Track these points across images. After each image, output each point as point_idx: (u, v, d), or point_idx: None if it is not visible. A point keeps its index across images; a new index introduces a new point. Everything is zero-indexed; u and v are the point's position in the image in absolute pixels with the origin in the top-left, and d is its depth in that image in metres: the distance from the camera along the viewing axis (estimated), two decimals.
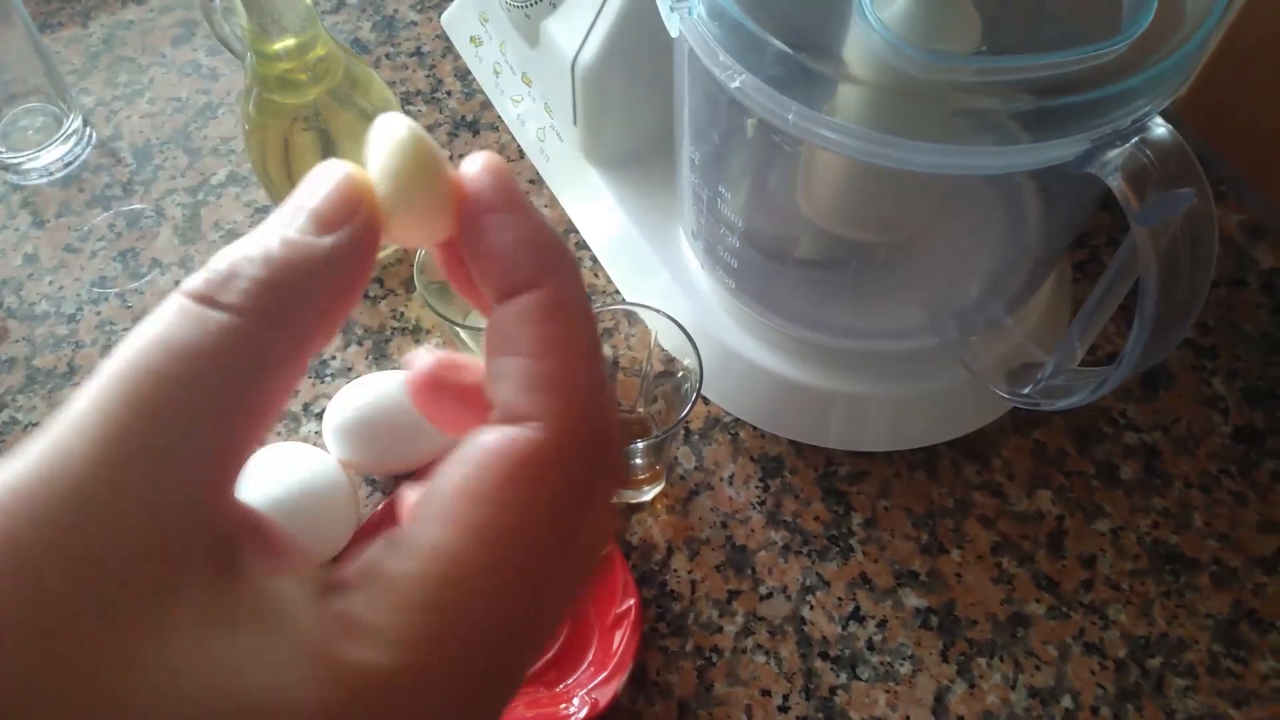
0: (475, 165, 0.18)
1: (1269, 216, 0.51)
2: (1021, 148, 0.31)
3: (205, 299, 0.16)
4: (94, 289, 0.54)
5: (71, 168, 0.58)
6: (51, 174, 0.58)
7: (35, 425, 0.49)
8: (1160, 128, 0.31)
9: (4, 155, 0.57)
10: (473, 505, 0.16)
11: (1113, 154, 0.31)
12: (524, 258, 0.18)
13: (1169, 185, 0.31)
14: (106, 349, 0.51)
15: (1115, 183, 0.31)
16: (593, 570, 0.18)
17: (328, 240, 0.17)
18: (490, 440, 0.16)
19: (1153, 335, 0.33)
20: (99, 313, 0.53)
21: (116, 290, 0.54)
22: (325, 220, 0.17)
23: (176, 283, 0.53)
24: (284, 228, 0.17)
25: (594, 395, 0.17)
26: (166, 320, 0.16)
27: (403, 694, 0.15)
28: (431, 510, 0.16)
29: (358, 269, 0.17)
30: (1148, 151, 0.31)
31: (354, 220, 0.17)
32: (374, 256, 0.18)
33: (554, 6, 0.48)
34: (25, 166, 0.57)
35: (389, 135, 0.18)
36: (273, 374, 0.16)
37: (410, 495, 0.19)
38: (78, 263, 0.55)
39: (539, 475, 0.16)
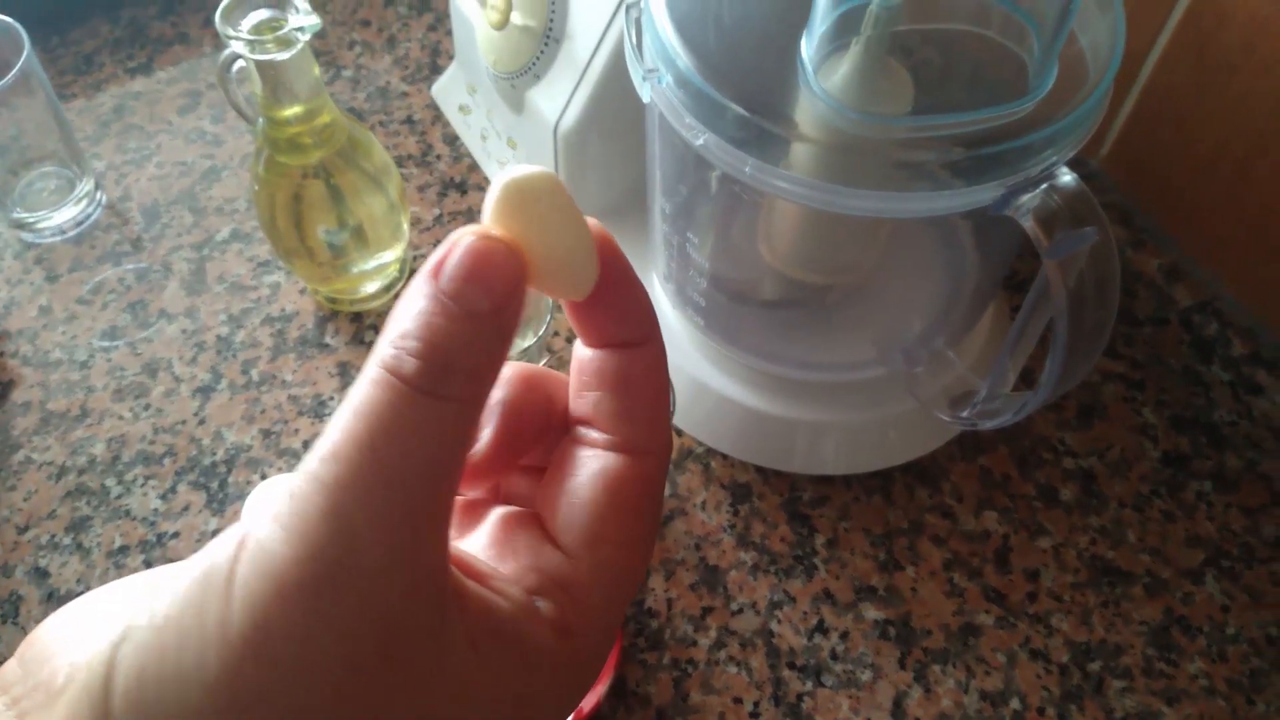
0: (598, 228, 0.21)
1: (1185, 260, 0.56)
2: (947, 193, 0.36)
3: (432, 394, 0.18)
4: (105, 338, 0.57)
5: (83, 227, 0.62)
6: (64, 232, 0.62)
7: (49, 464, 0.52)
8: (1066, 175, 0.36)
9: (20, 215, 0.61)
10: (622, 526, 0.21)
11: (1025, 198, 0.36)
12: (642, 318, 0.22)
13: (1075, 225, 0.35)
14: (118, 393, 0.55)
15: (1027, 223, 0.35)
16: None
17: (504, 322, 0.18)
18: (629, 469, 0.21)
19: (1066, 360, 0.37)
20: (109, 359, 0.56)
21: (126, 339, 0.57)
22: (500, 309, 0.18)
23: (184, 331, 0.57)
24: (469, 305, 0.18)
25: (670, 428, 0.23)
26: (401, 409, 0.17)
27: (578, 663, 0.20)
28: (591, 528, 0.21)
29: (513, 335, 0.19)
30: (1055, 196, 0.36)
31: (518, 298, 0.19)
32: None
33: (537, 78, 0.53)
34: (40, 225, 0.61)
35: (539, 193, 0.18)
36: (471, 443, 0.20)
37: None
38: (89, 314, 0.58)
39: (657, 494, 0.22)
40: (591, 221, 0.20)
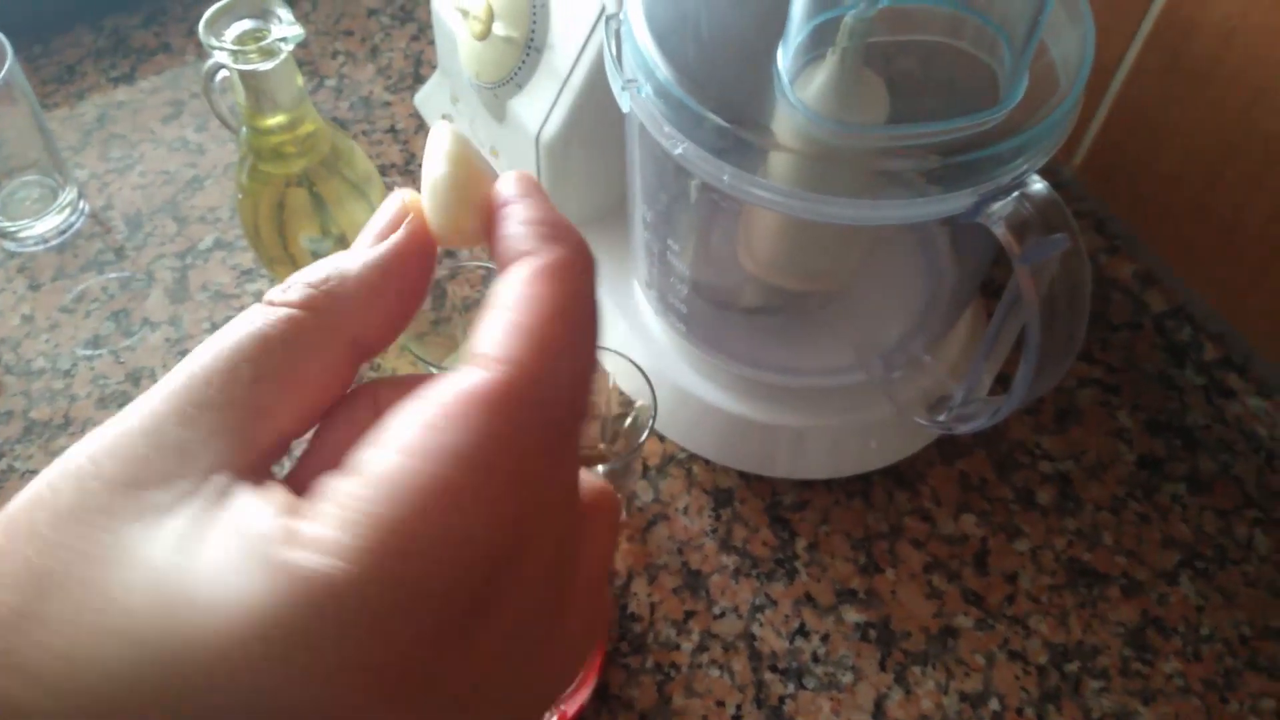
0: (507, 175, 0.21)
1: (1158, 267, 0.57)
2: (920, 201, 0.36)
3: (269, 301, 0.20)
4: (88, 347, 0.57)
5: (66, 235, 0.62)
6: (47, 241, 0.62)
7: (32, 473, 0.52)
8: (1038, 183, 0.37)
9: (2, 224, 0.61)
10: (427, 432, 0.16)
11: (997, 206, 0.36)
12: (528, 232, 0.19)
13: (1046, 232, 0.36)
14: (101, 401, 0.55)
15: (999, 230, 0.36)
16: (576, 533, 0.19)
17: (379, 248, 0.20)
18: (452, 378, 0.17)
19: (1039, 365, 0.38)
20: (93, 368, 0.56)
21: (110, 348, 0.57)
22: (378, 233, 0.21)
23: (167, 340, 0.57)
24: (352, 248, 0.21)
25: (565, 354, 0.18)
26: (240, 317, 0.19)
27: (346, 604, 0.15)
28: (386, 437, 0.17)
29: (407, 272, 0.20)
30: (1027, 204, 0.36)
31: (400, 229, 0.21)
32: (426, 263, 0.21)
33: (519, 87, 0.53)
34: (22, 234, 0.61)
35: (435, 147, 0.21)
36: (319, 359, 0.19)
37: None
38: (72, 322, 0.58)
39: (495, 411, 0.17)
40: (504, 175, 0.21)
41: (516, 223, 0.20)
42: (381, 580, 0.15)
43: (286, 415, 0.19)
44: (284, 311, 0.19)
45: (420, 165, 0.64)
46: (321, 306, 0.19)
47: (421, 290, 0.21)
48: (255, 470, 0.18)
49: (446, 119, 0.64)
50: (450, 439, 0.16)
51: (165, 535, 0.17)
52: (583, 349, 0.19)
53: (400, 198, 0.21)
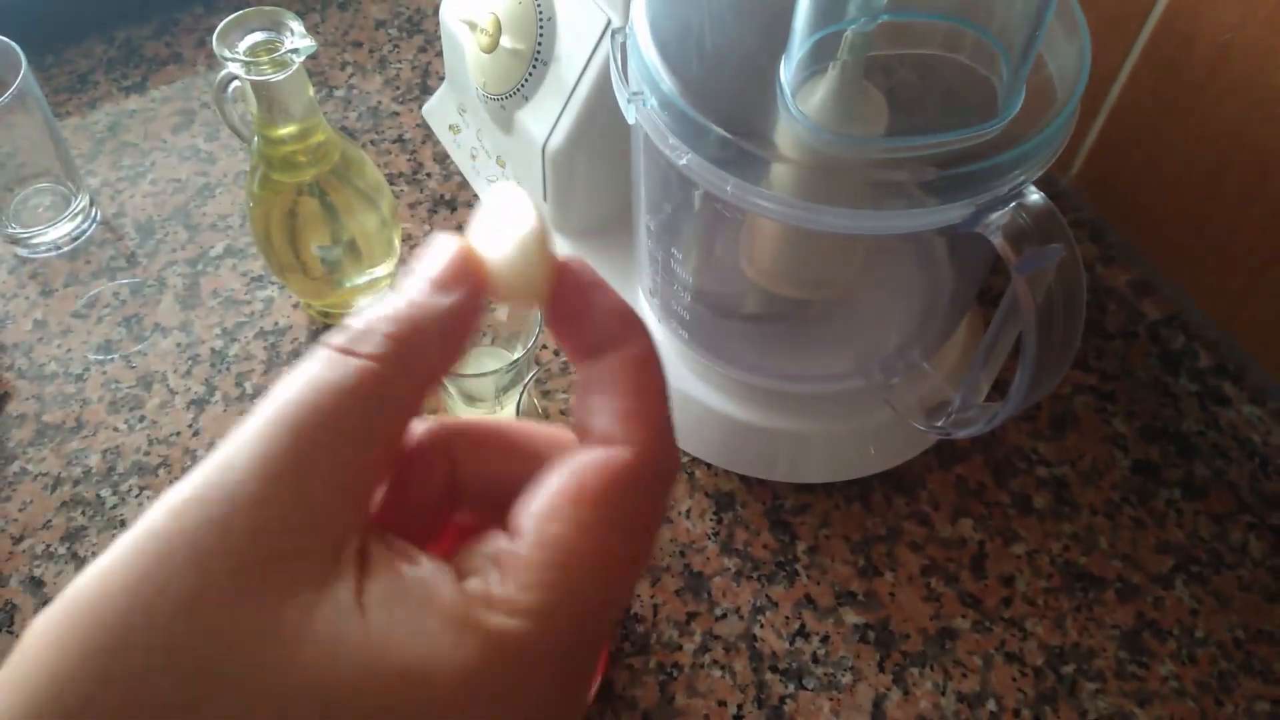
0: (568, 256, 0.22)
1: (1153, 276, 0.58)
2: (919, 211, 0.37)
3: (346, 350, 0.19)
4: (99, 352, 0.58)
5: (78, 242, 0.63)
6: (59, 248, 0.63)
7: (44, 475, 0.53)
8: (1034, 194, 0.38)
9: (15, 231, 0.62)
10: (579, 508, 0.19)
11: (995, 216, 0.37)
12: (615, 322, 0.21)
13: (1043, 242, 0.37)
14: (112, 405, 0.56)
15: (997, 240, 0.37)
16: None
17: (445, 300, 0.20)
18: (592, 457, 0.20)
19: (1035, 371, 0.39)
20: (105, 372, 0.57)
21: (121, 353, 0.58)
22: (442, 285, 0.20)
23: (178, 345, 0.58)
24: (409, 291, 0.20)
25: (666, 429, 0.21)
26: (314, 367, 0.19)
27: (533, 655, 0.18)
28: (542, 509, 0.19)
29: (467, 323, 0.20)
30: (1024, 214, 0.37)
31: (465, 284, 0.20)
32: (480, 313, 0.21)
33: (526, 99, 0.54)
34: (35, 241, 0.62)
35: (513, 217, 0.21)
36: (398, 409, 0.19)
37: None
38: (84, 328, 0.59)
39: (632, 487, 0.20)
40: (538, 227, 0.21)
41: (603, 309, 0.21)
42: (552, 633, 0.18)
43: (382, 469, 0.20)
44: (368, 365, 0.19)
45: (427, 175, 0.66)
46: (404, 362, 0.19)
47: (468, 342, 0.21)
48: (369, 528, 0.19)
49: (453, 129, 0.65)
50: (604, 514, 0.19)
51: (329, 609, 0.17)
52: (672, 421, 0.21)
53: (457, 245, 0.21)
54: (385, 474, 0.20)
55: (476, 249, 0.21)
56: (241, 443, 0.18)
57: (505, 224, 0.21)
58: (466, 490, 0.22)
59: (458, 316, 0.20)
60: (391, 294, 0.20)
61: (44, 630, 0.17)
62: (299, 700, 0.17)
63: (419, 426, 0.22)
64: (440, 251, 0.21)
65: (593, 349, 0.21)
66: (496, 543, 0.19)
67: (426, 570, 0.18)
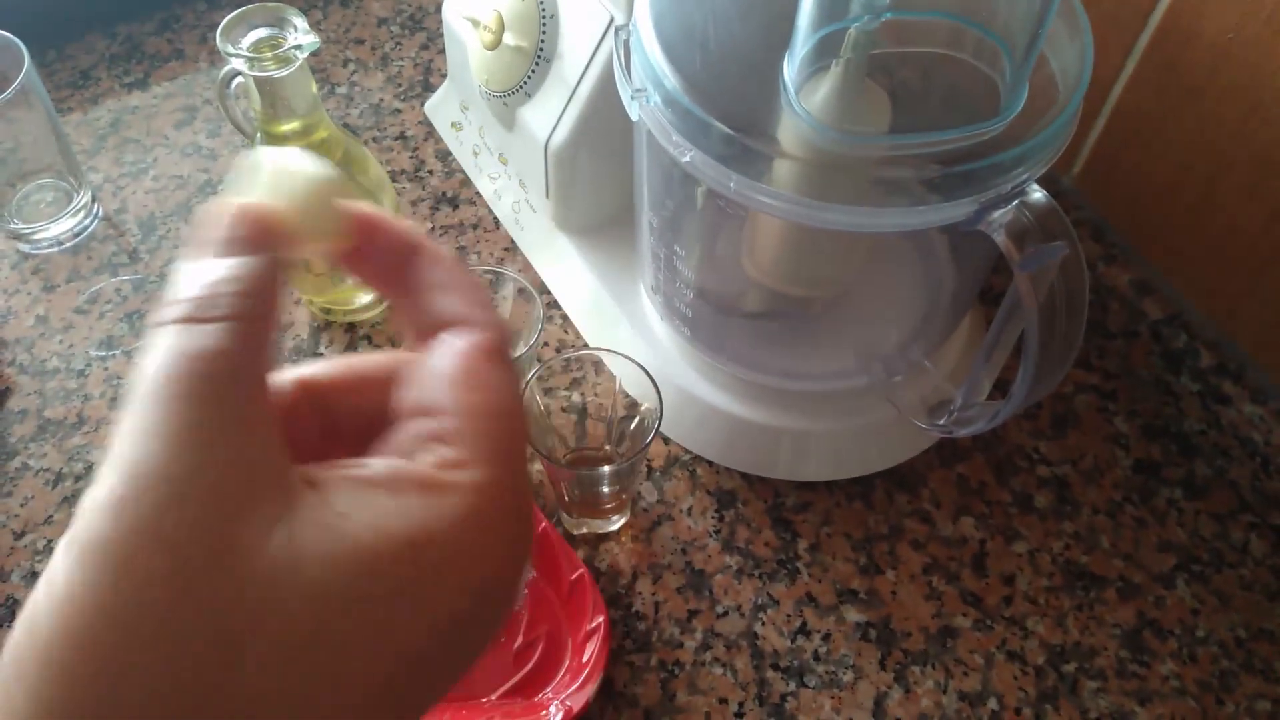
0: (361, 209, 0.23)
1: (1154, 275, 0.58)
2: (921, 209, 0.37)
3: (198, 318, 0.19)
4: (101, 347, 0.58)
5: (80, 238, 0.63)
6: (61, 243, 0.63)
7: (46, 470, 0.53)
8: (1037, 192, 0.38)
9: (18, 226, 0.62)
10: (479, 375, 0.22)
11: (998, 214, 0.37)
12: (469, 300, 0.23)
13: (1046, 240, 0.37)
14: (114, 401, 0.56)
15: (1000, 238, 0.37)
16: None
17: (260, 253, 0.21)
18: (464, 341, 0.22)
19: (1037, 369, 0.39)
20: (106, 368, 0.57)
21: (123, 349, 0.58)
22: (249, 240, 0.21)
23: None
24: (222, 254, 0.21)
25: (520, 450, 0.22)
26: (173, 341, 0.19)
27: (502, 492, 0.21)
28: (448, 385, 0.22)
29: (281, 267, 0.22)
30: (1027, 212, 0.37)
31: (266, 235, 0.21)
32: (286, 258, 0.22)
33: (529, 96, 0.54)
34: (37, 236, 0.62)
35: (294, 168, 0.22)
36: (265, 356, 0.20)
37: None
38: (86, 323, 0.59)
39: (500, 351, 0.22)
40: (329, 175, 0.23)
41: (456, 288, 0.23)
42: (513, 473, 0.21)
43: (274, 410, 0.21)
44: (231, 325, 0.20)
45: (429, 172, 0.66)
46: (255, 314, 0.20)
47: (286, 285, 0.22)
48: (295, 463, 0.20)
49: (455, 126, 0.65)
50: (497, 374, 0.22)
51: (309, 527, 0.19)
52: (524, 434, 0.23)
53: (232, 205, 0.22)
54: (277, 415, 0.21)
55: (259, 202, 0.22)
56: (145, 432, 0.18)
57: (289, 175, 0.22)
58: (336, 429, 0.24)
59: (274, 264, 0.21)
60: (200, 260, 0.21)
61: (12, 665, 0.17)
62: (323, 605, 0.18)
63: (281, 382, 0.23)
64: (225, 215, 0.21)
65: (431, 329, 0.23)
66: (418, 425, 0.21)
67: (380, 464, 0.20)
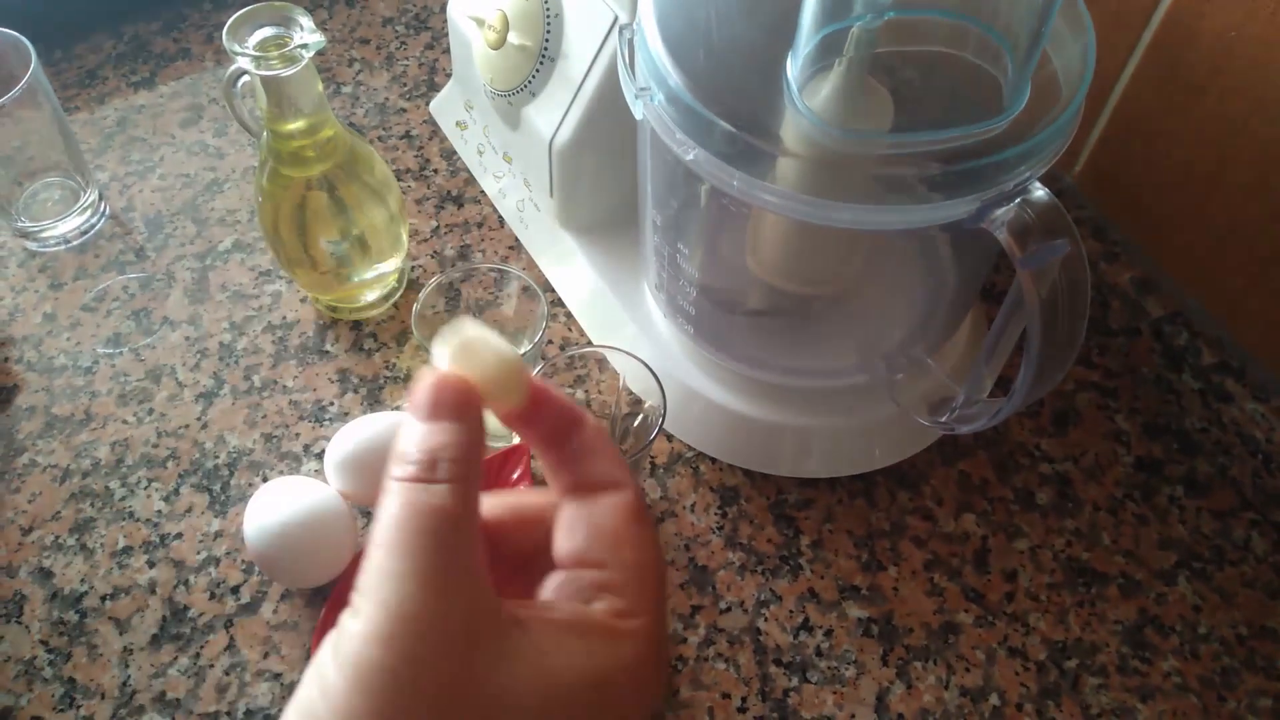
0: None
1: (1155, 273, 0.58)
2: (924, 207, 0.37)
3: (424, 479, 0.24)
4: (108, 345, 0.58)
5: (87, 236, 0.63)
6: (69, 241, 0.63)
7: (54, 467, 0.54)
8: (1039, 190, 0.38)
9: (25, 224, 0.62)
10: (631, 533, 0.27)
11: (1000, 212, 0.37)
12: (615, 463, 0.28)
13: (1048, 238, 0.37)
14: (121, 398, 0.56)
15: (1002, 235, 0.37)
16: None
17: (466, 420, 0.26)
18: (614, 500, 0.27)
19: (1039, 366, 0.39)
20: (113, 365, 0.58)
21: (130, 346, 0.58)
22: (456, 409, 0.26)
23: (186, 338, 0.58)
24: (438, 421, 0.25)
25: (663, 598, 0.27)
26: (408, 499, 0.24)
27: (656, 637, 0.26)
28: (607, 544, 0.26)
29: (483, 432, 0.26)
30: (1029, 210, 0.38)
31: (469, 403, 0.26)
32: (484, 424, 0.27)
33: (533, 95, 0.54)
34: (44, 234, 0.63)
35: (473, 339, 0.26)
36: (478, 511, 0.25)
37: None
38: (93, 321, 0.60)
39: (643, 511, 0.27)
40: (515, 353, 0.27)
41: (605, 454, 0.28)
42: (660, 620, 0.26)
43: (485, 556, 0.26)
44: (454, 486, 0.25)
45: (434, 171, 0.66)
46: (470, 475, 0.25)
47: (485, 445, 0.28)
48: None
49: (460, 125, 0.66)
50: (644, 533, 0.27)
51: (520, 660, 0.24)
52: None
53: (441, 374, 0.26)
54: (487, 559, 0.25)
55: (460, 372, 0.26)
56: (399, 576, 0.23)
57: (480, 351, 0.26)
58: (500, 557, 0.28)
59: (478, 430, 0.26)
60: (418, 422, 0.25)
61: None
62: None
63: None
64: (446, 386, 0.26)
65: (578, 486, 0.27)
66: (590, 576, 0.26)
67: (566, 609, 0.25)
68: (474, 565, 0.24)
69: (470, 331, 0.26)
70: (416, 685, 0.22)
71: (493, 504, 0.29)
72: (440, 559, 0.23)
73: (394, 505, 0.24)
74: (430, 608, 0.23)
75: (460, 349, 0.26)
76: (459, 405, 0.26)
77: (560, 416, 0.28)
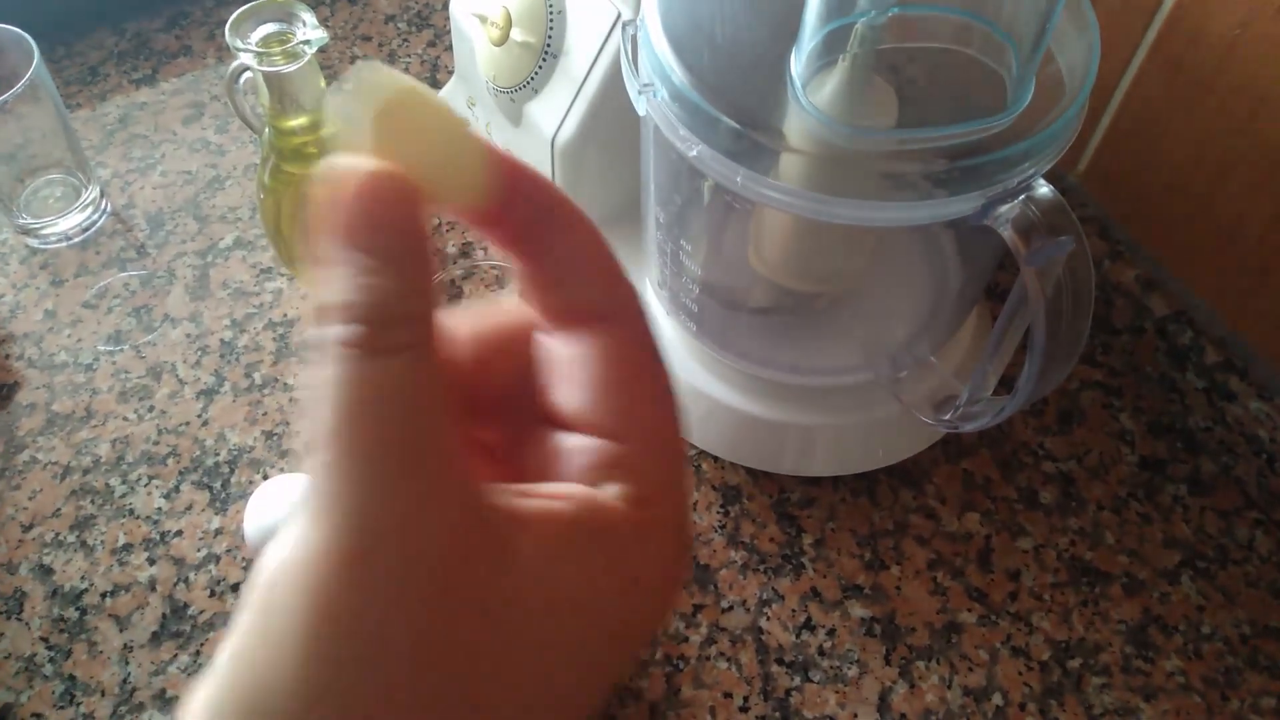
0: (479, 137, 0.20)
1: (1159, 272, 0.58)
2: (928, 204, 0.37)
3: (368, 345, 0.18)
4: (109, 342, 0.58)
5: (89, 233, 0.63)
6: (70, 238, 0.63)
7: (55, 464, 0.54)
8: (1044, 187, 0.38)
9: (26, 221, 0.62)
10: (641, 382, 0.21)
11: (1004, 209, 0.37)
12: (614, 284, 0.21)
13: (1052, 235, 0.37)
14: (122, 395, 0.56)
15: (1006, 233, 0.37)
16: None
17: (418, 251, 0.19)
18: (618, 342, 0.21)
19: (1043, 364, 0.39)
20: (114, 362, 0.57)
21: (131, 343, 0.58)
22: (410, 242, 0.19)
23: (188, 335, 0.58)
24: (380, 257, 0.18)
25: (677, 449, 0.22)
26: (350, 376, 0.17)
27: (682, 514, 0.21)
28: (619, 408, 0.21)
29: (432, 258, 0.19)
30: (1033, 207, 0.37)
31: (422, 222, 0.19)
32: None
33: (535, 92, 0.54)
34: (45, 231, 0.62)
35: (409, 108, 0.17)
36: (441, 378, 0.19)
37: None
38: (94, 318, 0.59)
39: (652, 357, 0.22)
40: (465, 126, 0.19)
41: (597, 268, 0.22)
42: (684, 496, 0.22)
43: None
44: (419, 350, 0.18)
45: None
46: (430, 335, 0.19)
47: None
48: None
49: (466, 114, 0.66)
50: (661, 380, 0.22)
51: (517, 562, 0.19)
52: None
53: (364, 171, 0.18)
54: (464, 439, 0.20)
55: (389, 156, 0.17)
56: (359, 486, 0.17)
57: (421, 123, 0.18)
58: (474, 403, 0.22)
59: (427, 251, 0.19)
60: (344, 249, 0.18)
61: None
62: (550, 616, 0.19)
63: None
64: (391, 199, 0.18)
65: (573, 309, 0.21)
66: (590, 449, 0.20)
67: (574, 496, 0.20)
68: (450, 452, 0.18)
69: (390, 79, 0.17)
70: (396, 621, 0.17)
71: (453, 330, 0.22)
72: (407, 454, 0.17)
73: (334, 384, 0.17)
74: (404, 519, 0.17)
75: (384, 115, 0.17)
76: (400, 218, 0.18)
77: (540, 209, 0.20)
